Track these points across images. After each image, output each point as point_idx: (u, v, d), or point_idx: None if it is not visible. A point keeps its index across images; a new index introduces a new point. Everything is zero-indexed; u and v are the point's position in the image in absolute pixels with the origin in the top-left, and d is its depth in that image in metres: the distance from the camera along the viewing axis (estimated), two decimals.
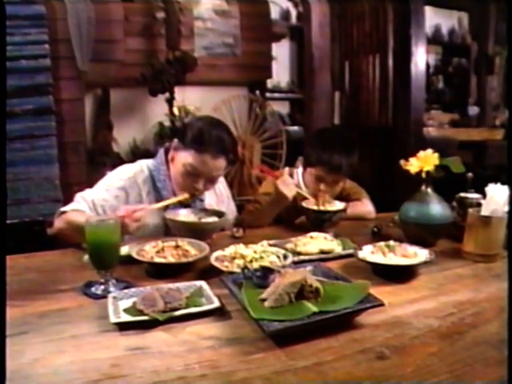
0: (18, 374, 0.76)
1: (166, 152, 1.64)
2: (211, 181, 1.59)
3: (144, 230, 1.49)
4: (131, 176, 1.58)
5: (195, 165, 1.52)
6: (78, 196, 1.53)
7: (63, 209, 1.49)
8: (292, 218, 1.81)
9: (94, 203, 1.50)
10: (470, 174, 1.55)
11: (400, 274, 1.20)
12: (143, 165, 1.64)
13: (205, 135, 1.51)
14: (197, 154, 1.51)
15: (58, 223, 1.49)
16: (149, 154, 2.00)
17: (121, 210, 1.36)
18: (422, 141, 3.58)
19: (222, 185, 1.86)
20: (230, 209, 1.84)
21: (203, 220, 1.54)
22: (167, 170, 1.62)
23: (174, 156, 1.60)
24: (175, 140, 1.60)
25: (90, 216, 1.39)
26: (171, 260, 1.24)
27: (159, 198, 1.57)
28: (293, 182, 1.76)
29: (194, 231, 1.43)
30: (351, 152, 1.78)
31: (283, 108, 4.64)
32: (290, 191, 1.68)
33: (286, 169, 1.92)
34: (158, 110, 3.63)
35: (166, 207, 1.55)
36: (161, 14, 3.54)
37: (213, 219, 1.54)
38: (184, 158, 1.54)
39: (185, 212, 1.58)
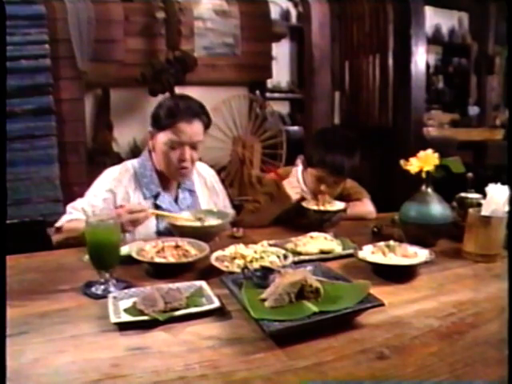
0: (18, 374, 0.76)
1: (150, 150, 1.68)
2: (194, 148, 1.61)
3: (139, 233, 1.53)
4: (116, 177, 1.62)
5: (174, 137, 1.56)
6: (69, 207, 1.59)
7: (58, 224, 1.54)
8: (292, 219, 1.81)
9: (84, 210, 1.54)
10: (470, 174, 1.55)
11: (400, 274, 1.20)
12: (128, 164, 1.68)
13: (173, 109, 1.57)
14: (172, 128, 1.55)
15: (58, 237, 1.52)
16: None
17: (121, 208, 1.40)
18: (422, 141, 3.58)
19: (213, 178, 1.86)
20: (225, 205, 1.85)
21: (206, 222, 1.54)
22: (153, 165, 1.65)
23: (153, 144, 1.63)
24: (149, 129, 1.64)
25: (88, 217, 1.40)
26: (171, 260, 1.24)
27: (146, 194, 1.61)
28: (298, 185, 1.77)
29: (198, 235, 1.42)
30: (353, 153, 1.76)
31: (283, 108, 4.64)
32: (294, 193, 1.71)
33: (293, 168, 1.90)
34: None
35: (157, 195, 1.62)
36: (161, 14, 3.54)
37: (216, 221, 1.54)
38: (163, 137, 1.58)
39: (186, 214, 1.58)
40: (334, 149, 1.73)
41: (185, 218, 1.55)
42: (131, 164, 1.68)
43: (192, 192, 1.73)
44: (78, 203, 1.58)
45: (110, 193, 1.58)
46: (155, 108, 1.64)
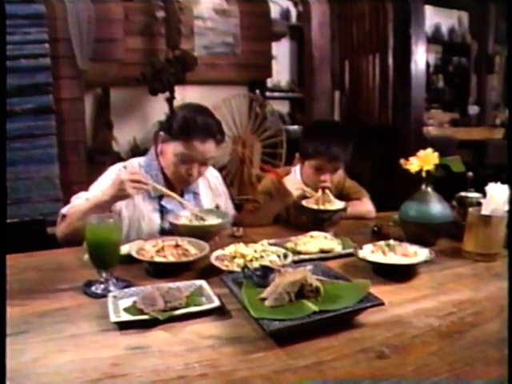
0: (18, 374, 0.76)
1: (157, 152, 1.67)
2: (204, 164, 1.60)
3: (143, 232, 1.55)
4: None
5: (186, 153, 1.54)
6: (73, 198, 1.57)
7: (63, 210, 1.52)
8: (292, 218, 1.81)
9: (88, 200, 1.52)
10: (470, 173, 1.55)
11: (400, 274, 1.20)
12: (134, 162, 1.68)
13: (190, 123, 1.53)
14: (185, 142, 1.54)
15: (63, 225, 1.49)
16: None
17: (122, 172, 1.40)
18: (422, 140, 3.58)
19: (217, 180, 1.86)
20: (228, 206, 1.85)
21: (206, 221, 1.54)
22: (159, 165, 1.65)
23: (162, 148, 1.62)
24: (161, 133, 1.62)
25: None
26: (171, 259, 1.24)
27: (151, 193, 1.60)
28: (299, 180, 1.77)
29: (198, 234, 1.42)
30: (346, 139, 1.80)
31: (283, 107, 4.63)
32: (295, 189, 1.71)
33: (292, 168, 1.91)
34: (158, 109, 3.62)
35: (162, 195, 1.61)
36: (161, 13, 3.54)
37: (216, 220, 1.54)
38: (174, 148, 1.56)
39: (186, 213, 1.59)
40: (327, 136, 1.76)
41: (182, 201, 1.57)
42: (137, 162, 1.67)
43: (196, 194, 1.73)
44: (83, 194, 1.56)
45: None
46: (171, 114, 1.62)
